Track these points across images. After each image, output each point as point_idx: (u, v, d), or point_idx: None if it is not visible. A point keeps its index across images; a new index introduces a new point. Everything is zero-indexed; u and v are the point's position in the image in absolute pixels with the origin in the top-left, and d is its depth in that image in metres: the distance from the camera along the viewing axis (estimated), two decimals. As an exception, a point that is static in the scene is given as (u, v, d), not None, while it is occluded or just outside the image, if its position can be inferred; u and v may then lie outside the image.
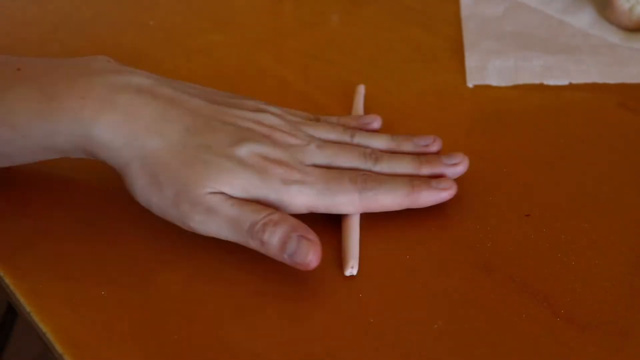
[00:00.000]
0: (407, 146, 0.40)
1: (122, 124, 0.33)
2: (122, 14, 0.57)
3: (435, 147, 0.40)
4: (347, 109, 0.46)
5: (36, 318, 0.32)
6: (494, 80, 0.48)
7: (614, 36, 0.52)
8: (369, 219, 0.37)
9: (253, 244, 0.33)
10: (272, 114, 0.37)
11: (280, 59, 0.49)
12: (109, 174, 0.40)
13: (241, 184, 0.34)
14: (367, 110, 0.46)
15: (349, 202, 0.35)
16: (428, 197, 0.36)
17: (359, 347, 0.31)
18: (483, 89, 0.48)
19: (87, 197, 0.39)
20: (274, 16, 0.57)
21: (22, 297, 0.34)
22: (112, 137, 0.34)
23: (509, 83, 0.48)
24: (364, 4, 0.59)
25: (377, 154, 0.38)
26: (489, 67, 0.49)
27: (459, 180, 0.39)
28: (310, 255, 0.32)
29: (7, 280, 0.35)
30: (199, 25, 0.55)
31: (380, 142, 0.40)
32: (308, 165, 0.36)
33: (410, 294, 0.33)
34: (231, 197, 0.33)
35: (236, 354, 0.31)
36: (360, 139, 0.39)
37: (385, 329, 0.32)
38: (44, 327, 0.32)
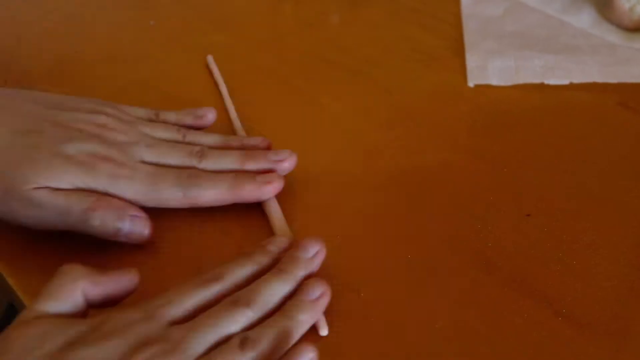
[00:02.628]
0: (235, 143, 0.40)
1: None
2: (122, 14, 0.57)
3: (262, 146, 0.40)
4: (346, 109, 0.46)
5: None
6: (495, 80, 0.48)
7: (614, 36, 0.52)
8: (369, 220, 0.37)
9: (88, 230, 0.34)
10: (106, 114, 0.38)
11: (281, 59, 0.49)
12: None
13: (69, 179, 0.34)
14: (365, 110, 0.46)
15: (174, 198, 0.36)
16: (251, 191, 0.37)
17: (359, 347, 0.31)
18: (484, 89, 0.48)
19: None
20: (274, 16, 0.57)
21: (24, 296, 0.34)
22: None
23: (510, 83, 0.48)
24: (364, 3, 0.59)
25: (203, 151, 0.39)
26: (490, 66, 0.49)
27: (460, 180, 0.39)
28: (145, 229, 0.35)
29: (9, 280, 0.35)
30: (199, 25, 0.55)
31: (209, 140, 0.40)
32: (137, 162, 0.37)
33: (410, 294, 0.34)
34: (58, 189, 0.34)
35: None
36: (192, 137, 0.40)
37: (385, 329, 0.32)
38: (45, 327, 0.32)
